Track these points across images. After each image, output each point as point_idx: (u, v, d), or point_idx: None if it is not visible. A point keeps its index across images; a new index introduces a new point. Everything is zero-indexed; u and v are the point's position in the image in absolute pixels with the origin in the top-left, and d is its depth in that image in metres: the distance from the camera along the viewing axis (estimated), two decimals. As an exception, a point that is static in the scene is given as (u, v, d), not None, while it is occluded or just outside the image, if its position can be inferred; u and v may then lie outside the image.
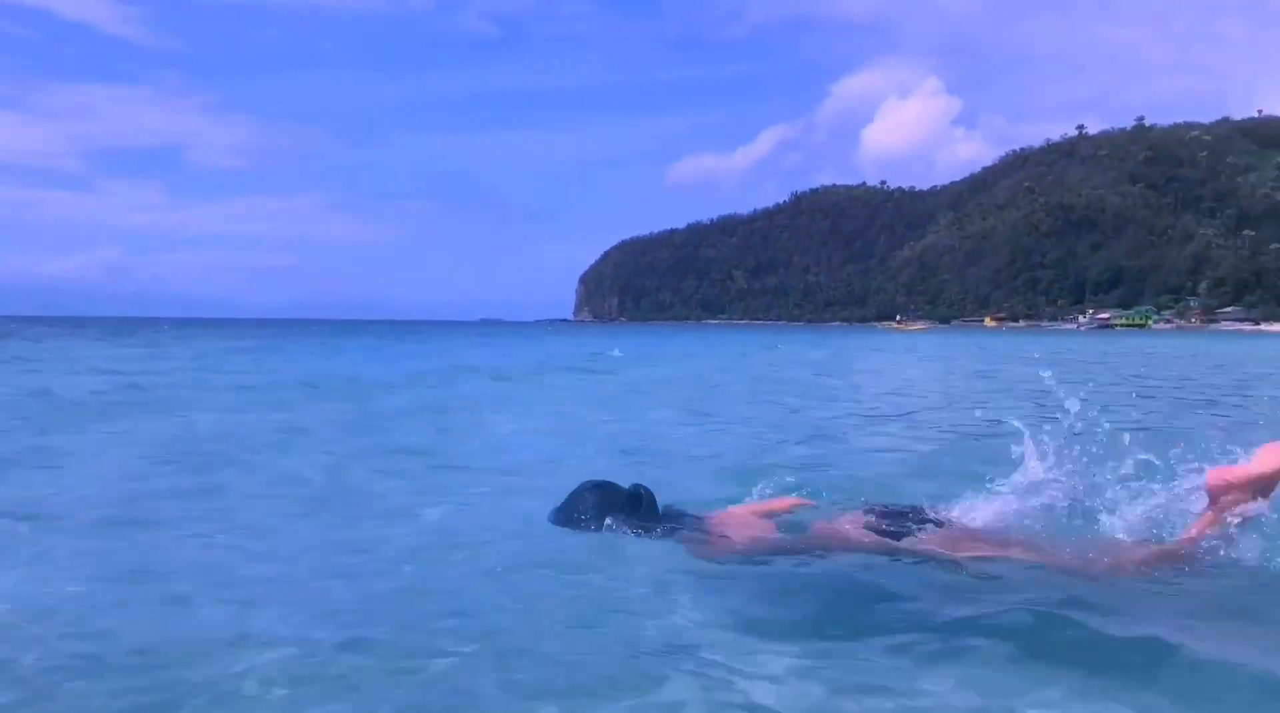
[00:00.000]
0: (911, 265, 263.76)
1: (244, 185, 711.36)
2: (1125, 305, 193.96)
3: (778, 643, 2.72)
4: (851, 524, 3.84)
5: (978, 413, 9.79)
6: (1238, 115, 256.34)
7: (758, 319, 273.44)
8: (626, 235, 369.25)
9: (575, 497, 3.93)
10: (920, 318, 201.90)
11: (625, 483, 4.01)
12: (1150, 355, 31.64)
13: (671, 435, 8.64)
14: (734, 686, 2.42)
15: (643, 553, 3.61)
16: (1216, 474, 3.36)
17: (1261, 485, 3.28)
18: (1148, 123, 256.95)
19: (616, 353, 29.61)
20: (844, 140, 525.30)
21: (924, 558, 3.54)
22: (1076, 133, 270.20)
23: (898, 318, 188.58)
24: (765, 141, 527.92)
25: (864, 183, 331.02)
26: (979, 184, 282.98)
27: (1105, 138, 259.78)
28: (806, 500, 4.44)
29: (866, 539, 3.70)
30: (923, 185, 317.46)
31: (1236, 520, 3.31)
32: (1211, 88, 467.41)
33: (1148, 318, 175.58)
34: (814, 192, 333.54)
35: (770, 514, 4.18)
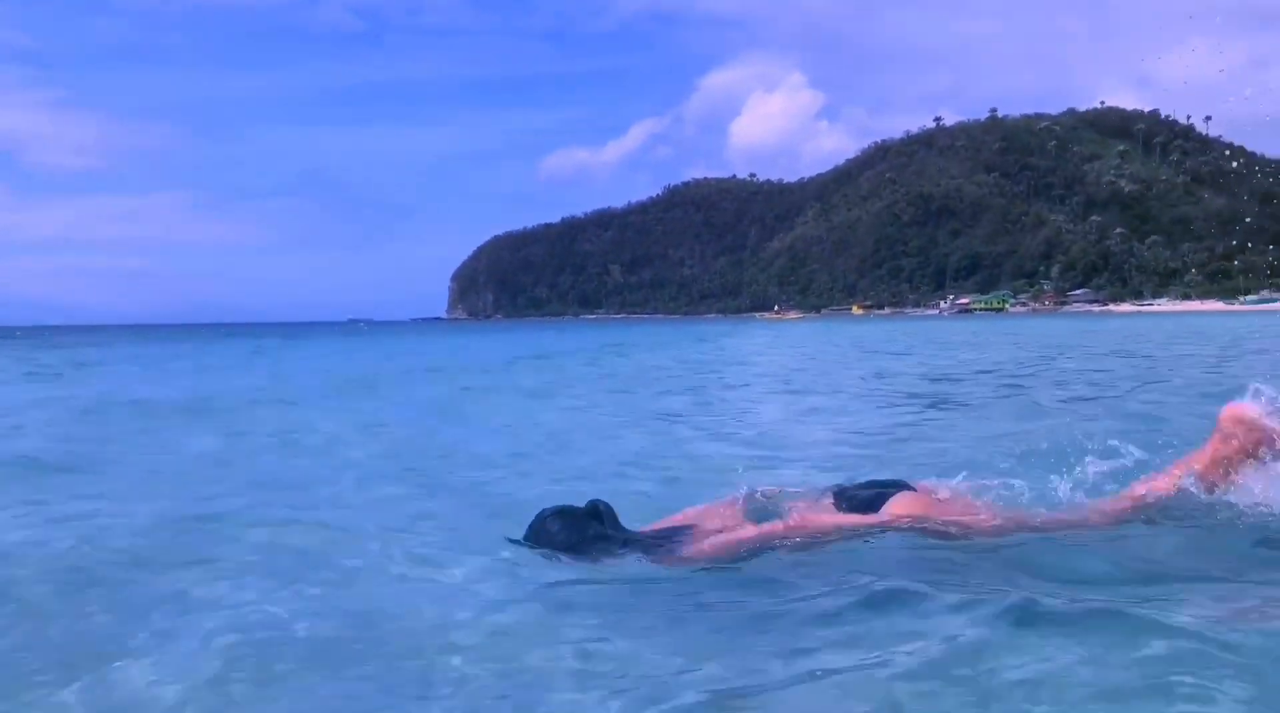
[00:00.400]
0: (782, 256, 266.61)
1: (93, 185, 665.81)
2: (984, 290, 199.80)
3: (764, 645, 2.62)
4: (822, 508, 3.79)
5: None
6: (1082, 107, 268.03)
7: (635, 313, 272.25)
8: (500, 231, 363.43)
9: (537, 530, 3.69)
10: (793, 308, 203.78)
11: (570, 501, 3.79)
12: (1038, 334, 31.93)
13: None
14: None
15: (618, 572, 3.42)
16: (1237, 409, 3.30)
17: (1262, 441, 3.26)
18: (1000, 114, 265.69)
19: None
20: (713, 133, 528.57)
21: (900, 530, 3.52)
22: (934, 124, 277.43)
23: (775, 308, 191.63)
24: (636, 135, 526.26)
25: (734, 175, 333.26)
26: (843, 176, 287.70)
27: (961, 129, 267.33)
28: (769, 489, 4.23)
29: (841, 521, 3.66)
30: (790, 177, 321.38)
31: (1230, 467, 3.28)
32: (1058, 81, 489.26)
33: (1005, 302, 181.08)
34: (686, 184, 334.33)
35: (734, 513, 3.92)
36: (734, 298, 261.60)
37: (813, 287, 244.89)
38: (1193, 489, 3.31)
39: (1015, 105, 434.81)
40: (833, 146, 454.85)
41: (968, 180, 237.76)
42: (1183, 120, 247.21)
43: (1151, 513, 3.32)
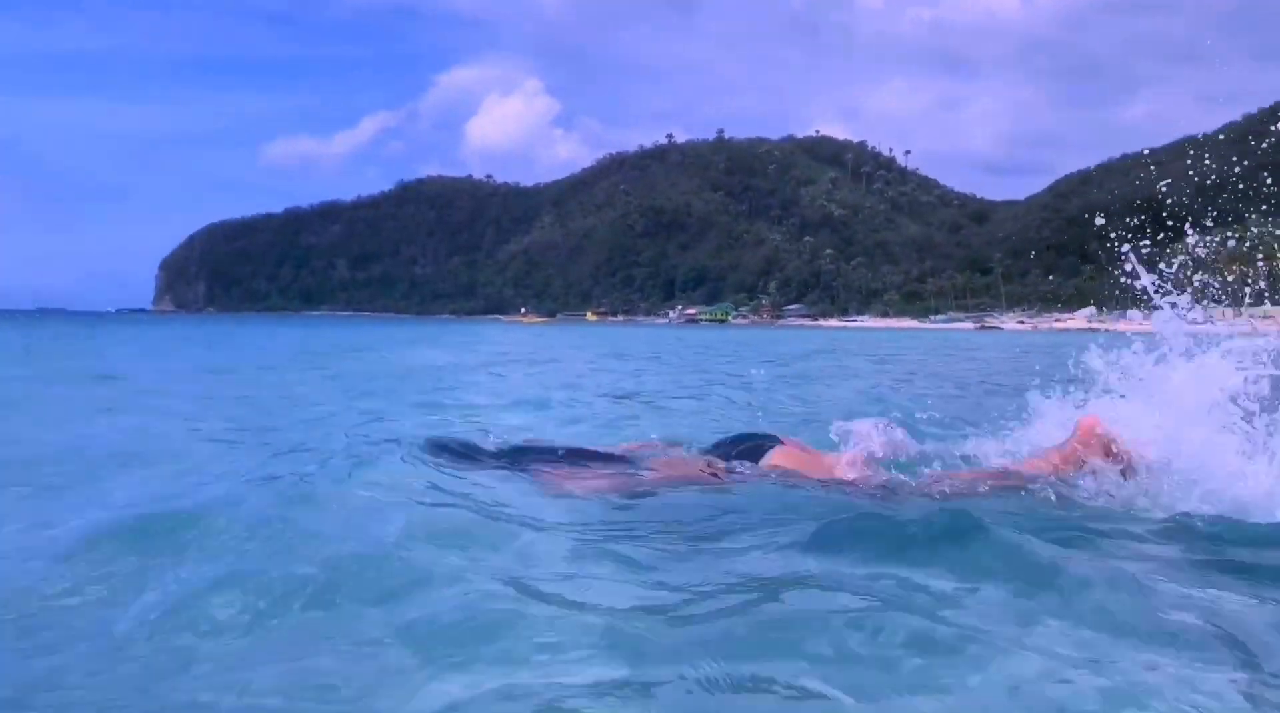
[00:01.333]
0: (519, 259, 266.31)
1: None
2: (709, 302, 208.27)
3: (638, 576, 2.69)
4: (682, 460, 4.02)
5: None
6: (800, 133, 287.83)
7: (363, 310, 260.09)
8: (215, 218, 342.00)
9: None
10: (534, 312, 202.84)
11: None
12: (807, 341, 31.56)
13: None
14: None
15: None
16: (1091, 419, 3.72)
17: (1106, 449, 3.64)
18: (727, 135, 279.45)
19: None
20: (448, 132, 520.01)
21: (779, 481, 3.76)
22: (666, 141, 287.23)
23: (523, 310, 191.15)
24: (367, 128, 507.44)
25: (470, 175, 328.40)
26: (580, 184, 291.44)
27: (691, 146, 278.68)
28: (667, 439, 4.60)
29: (719, 469, 3.86)
30: (527, 181, 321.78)
31: (1086, 467, 3.64)
32: (779, 107, 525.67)
33: (727, 314, 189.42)
34: (420, 181, 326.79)
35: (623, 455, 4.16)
36: (468, 299, 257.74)
37: (549, 291, 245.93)
38: (1046, 478, 3.64)
39: (741, 128, 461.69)
40: (567, 154, 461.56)
41: (696, 196, 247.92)
42: (886, 152, 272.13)
43: (1005, 489, 3.62)
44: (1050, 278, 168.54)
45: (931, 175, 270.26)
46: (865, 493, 3.62)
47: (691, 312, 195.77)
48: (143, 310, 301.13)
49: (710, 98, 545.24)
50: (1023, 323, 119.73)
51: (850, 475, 3.77)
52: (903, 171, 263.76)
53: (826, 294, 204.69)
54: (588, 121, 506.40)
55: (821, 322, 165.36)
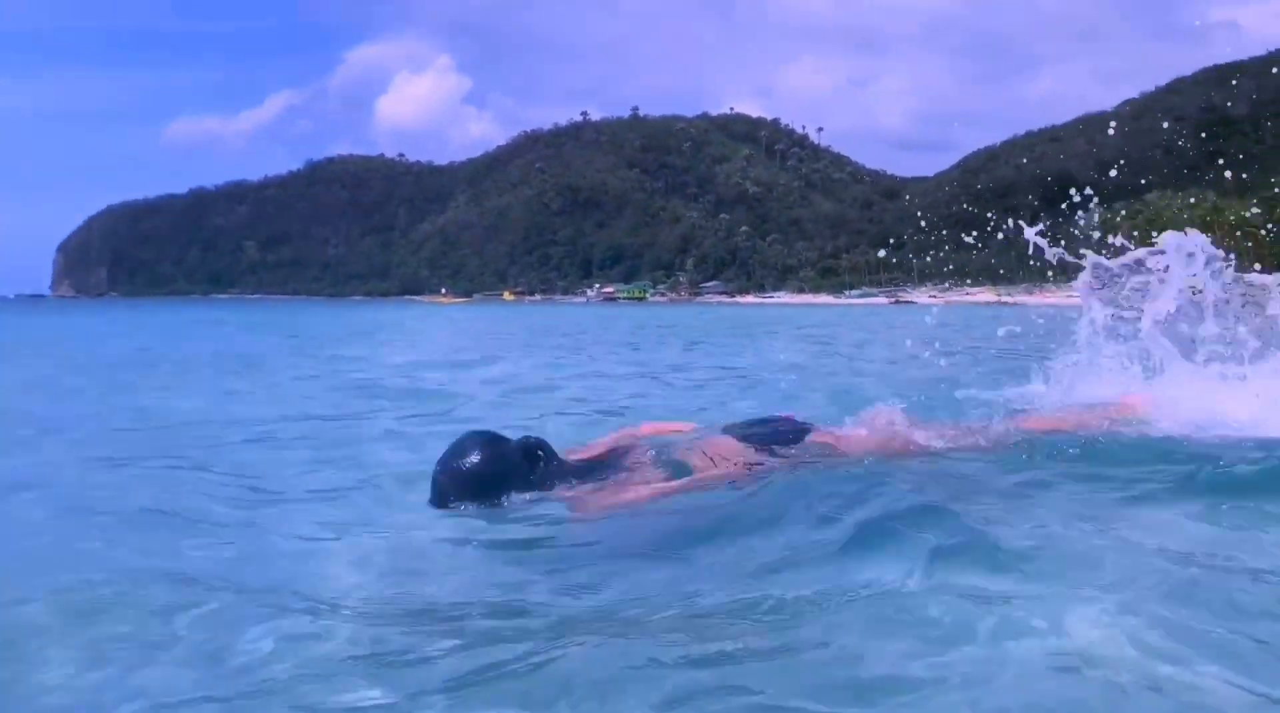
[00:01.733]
0: (433, 239, 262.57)
1: None
2: (627, 280, 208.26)
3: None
4: (726, 447, 3.54)
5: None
6: (714, 111, 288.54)
7: (273, 293, 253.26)
8: (115, 200, 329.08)
9: (456, 473, 3.24)
10: (450, 292, 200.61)
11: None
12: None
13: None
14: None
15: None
16: (1134, 400, 4.00)
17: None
18: (642, 113, 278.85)
19: None
20: (358, 110, 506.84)
21: (816, 464, 3.50)
22: (581, 118, 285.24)
23: (442, 291, 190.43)
24: (273, 106, 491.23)
25: (382, 154, 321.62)
26: (494, 162, 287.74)
27: (606, 124, 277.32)
28: (663, 426, 4.02)
29: (753, 457, 3.49)
30: (440, 160, 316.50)
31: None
32: (693, 84, 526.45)
33: (645, 292, 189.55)
34: (330, 160, 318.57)
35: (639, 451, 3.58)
36: (382, 280, 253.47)
37: (464, 271, 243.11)
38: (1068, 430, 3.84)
39: (655, 106, 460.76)
40: (480, 133, 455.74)
41: (612, 174, 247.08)
42: (799, 130, 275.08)
43: (1034, 441, 3.72)
44: (958, 252, 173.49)
45: (844, 152, 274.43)
46: (921, 456, 3.57)
47: (610, 290, 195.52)
48: (40, 296, 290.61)
49: (625, 75, 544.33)
50: (934, 297, 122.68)
51: (896, 443, 3.65)
52: (815, 149, 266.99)
53: (743, 271, 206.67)
54: (501, 99, 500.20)
55: (739, 298, 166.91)
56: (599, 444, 3.76)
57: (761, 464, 3.42)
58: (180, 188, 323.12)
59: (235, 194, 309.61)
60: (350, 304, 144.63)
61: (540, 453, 3.25)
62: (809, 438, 3.61)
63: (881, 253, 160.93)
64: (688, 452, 3.47)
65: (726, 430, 3.69)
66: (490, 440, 3.24)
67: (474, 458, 3.15)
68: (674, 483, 3.27)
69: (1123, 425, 3.86)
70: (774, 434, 3.61)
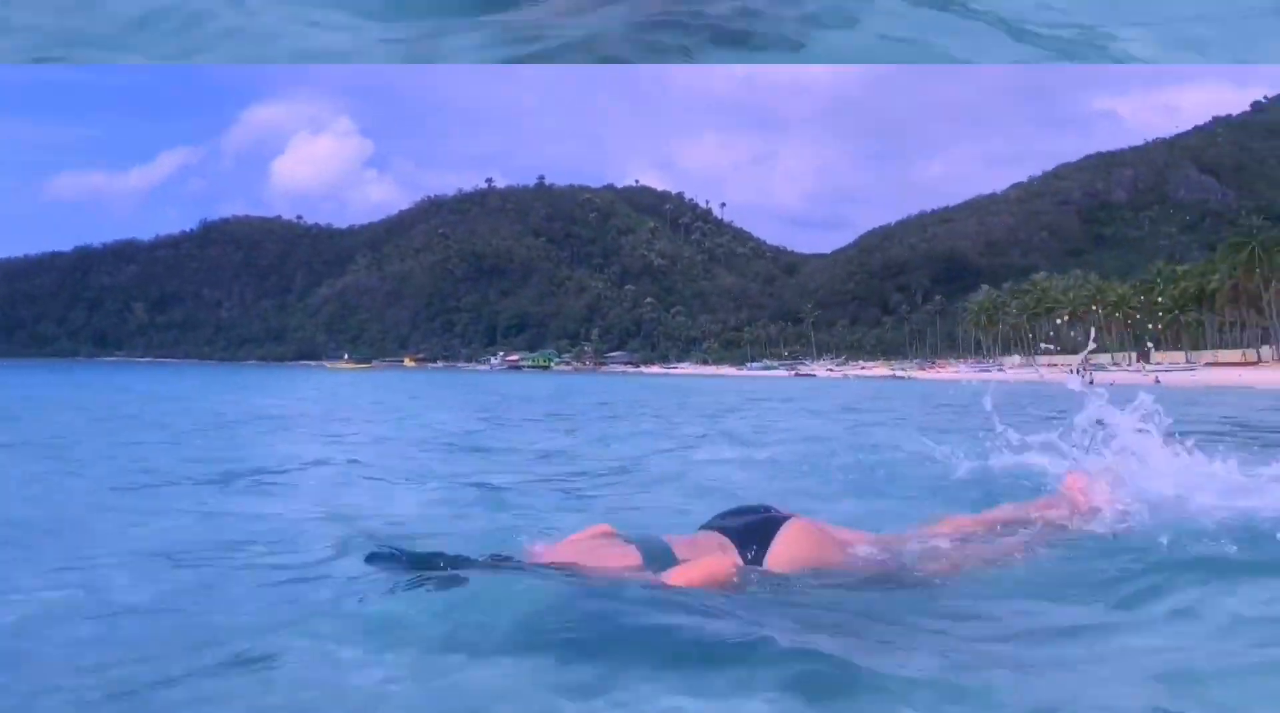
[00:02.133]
0: (331, 303, 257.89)
1: None
2: (531, 348, 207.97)
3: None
4: (719, 545, 3.37)
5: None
6: (620, 183, 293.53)
7: (163, 357, 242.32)
8: None
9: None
10: (351, 358, 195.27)
11: None
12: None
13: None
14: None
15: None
16: (1078, 477, 4.20)
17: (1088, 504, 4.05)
18: (548, 182, 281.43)
19: None
20: (254, 171, 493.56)
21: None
22: (486, 186, 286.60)
23: (345, 356, 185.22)
24: (166, 163, 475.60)
25: (279, 216, 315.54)
26: (396, 227, 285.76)
27: (511, 192, 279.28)
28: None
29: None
30: (340, 223, 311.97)
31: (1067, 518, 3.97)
32: (599, 155, 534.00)
33: (550, 360, 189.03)
34: (225, 222, 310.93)
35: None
36: (278, 344, 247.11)
37: (364, 336, 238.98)
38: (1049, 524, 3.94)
39: (561, 175, 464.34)
40: (381, 197, 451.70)
41: (517, 242, 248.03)
42: (703, 204, 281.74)
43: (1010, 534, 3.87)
44: (855, 327, 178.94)
45: (745, 228, 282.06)
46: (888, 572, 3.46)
47: (514, 357, 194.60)
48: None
49: (529, 144, 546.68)
50: (832, 371, 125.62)
51: (879, 555, 3.58)
52: (719, 223, 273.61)
53: (648, 341, 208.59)
54: (403, 164, 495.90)
55: (643, 368, 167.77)
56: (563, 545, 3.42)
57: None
58: (65, 246, 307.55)
59: (124, 253, 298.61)
60: (244, 368, 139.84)
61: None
62: (784, 532, 3.40)
63: (781, 326, 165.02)
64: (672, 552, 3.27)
65: (718, 519, 3.59)
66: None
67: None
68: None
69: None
70: (750, 525, 3.44)
